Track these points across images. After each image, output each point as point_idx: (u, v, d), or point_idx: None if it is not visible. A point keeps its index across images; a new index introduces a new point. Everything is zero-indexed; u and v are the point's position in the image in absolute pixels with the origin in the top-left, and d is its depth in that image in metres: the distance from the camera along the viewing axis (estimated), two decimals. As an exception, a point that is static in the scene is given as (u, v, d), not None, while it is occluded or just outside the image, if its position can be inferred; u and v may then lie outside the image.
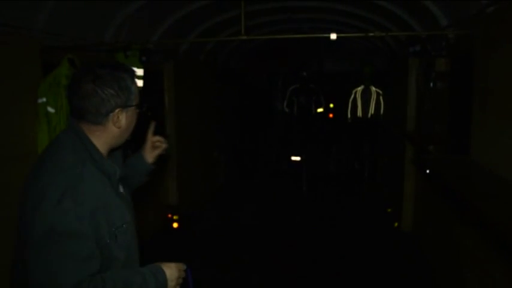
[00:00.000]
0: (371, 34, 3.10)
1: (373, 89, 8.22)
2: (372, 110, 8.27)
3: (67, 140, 1.54)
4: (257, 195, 7.98)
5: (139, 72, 4.67)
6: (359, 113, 8.35)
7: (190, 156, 6.78)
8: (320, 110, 8.28)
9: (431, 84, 4.59)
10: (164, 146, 2.03)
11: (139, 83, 4.70)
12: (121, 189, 1.68)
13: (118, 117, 1.56)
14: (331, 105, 9.74)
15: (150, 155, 2.02)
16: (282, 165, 9.37)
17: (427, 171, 4.63)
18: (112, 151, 1.70)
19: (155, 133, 2.01)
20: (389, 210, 6.75)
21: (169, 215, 6.10)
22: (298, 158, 8.28)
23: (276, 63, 10.19)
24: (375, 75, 8.18)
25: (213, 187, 7.85)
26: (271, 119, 10.63)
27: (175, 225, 6.07)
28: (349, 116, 8.48)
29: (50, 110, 3.32)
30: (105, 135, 1.57)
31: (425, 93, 5.02)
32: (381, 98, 8.22)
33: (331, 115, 9.81)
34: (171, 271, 1.61)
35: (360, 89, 8.31)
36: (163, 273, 1.59)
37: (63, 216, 1.37)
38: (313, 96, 8.18)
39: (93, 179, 1.48)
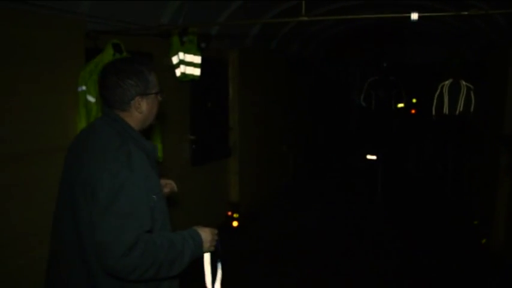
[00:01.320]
0: (465, 13, 2.45)
1: (463, 83, 7.27)
2: (460, 107, 7.33)
3: (105, 125, 1.76)
4: (326, 196, 7.42)
5: (197, 59, 4.32)
6: (445, 109, 7.44)
7: (255, 151, 6.39)
8: (401, 105, 7.50)
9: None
10: (173, 188, 2.19)
11: (197, 71, 4.36)
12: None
13: (139, 103, 1.78)
14: (414, 100, 8.88)
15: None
16: (356, 163, 8.66)
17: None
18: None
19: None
20: (476, 222, 5.90)
21: (230, 213, 5.76)
22: (374, 157, 7.59)
23: (354, 53, 9.47)
24: (465, 68, 7.24)
25: (280, 185, 7.41)
26: (348, 113, 9.91)
27: (235, 223, 5.73)
28: (433, 112, 7.61)
29: (90, 99, 3.06)
30: (132, 120, 1.79)
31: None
32: (471, 93, 7.25)
33: (413, 111, 8.93)
34: (206, 234, 1.81)
35: (447, 83, 7.40)
36: (199, 235, 1.79)
37: (122, 183, 1.59)
38: (393, 89, 7.43)
39: (138, 154, 1.68)
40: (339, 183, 8.18)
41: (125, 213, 1.58)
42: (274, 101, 7.03)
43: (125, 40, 3.43)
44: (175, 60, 4.20)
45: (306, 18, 2.60)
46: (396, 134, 7.81)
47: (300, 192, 7.52)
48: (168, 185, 2.16)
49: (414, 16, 2.54)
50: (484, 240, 5.27)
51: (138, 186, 1.63)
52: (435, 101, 7.58)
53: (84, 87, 3.06)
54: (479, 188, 6.07)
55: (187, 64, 4.21)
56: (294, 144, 7.93)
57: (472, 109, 7.27)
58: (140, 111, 1.79)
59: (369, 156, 7.61)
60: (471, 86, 7.24)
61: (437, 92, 7.53)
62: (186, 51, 4.19)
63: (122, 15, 3.61)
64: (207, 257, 1.93)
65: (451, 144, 7.63)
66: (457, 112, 7.37)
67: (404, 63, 9.28)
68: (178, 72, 4.23)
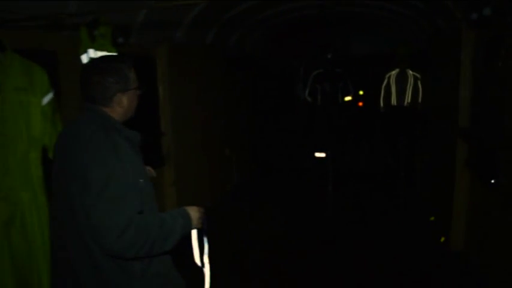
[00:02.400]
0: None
1: (410, 72, 7.00)
2: (408, 98, 7.04)
3: (89, 119, 1.86)
4: (274, 199, 6.90)
5: (113, 57, 3.63)
6: (393, 101, 7.14)
7: (193, 157, 5.77)
8: (348, 98, 7.09)
9: (500, 64, 3.39)
10: (151, 173, 2.27)
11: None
12: None
13: (121, 99, 1.91)
14: (361, 93, 8.55)
15: None
16: (305, 162, 8.17)
17: (492, 181, 3.52)
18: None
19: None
20: (432, 218, 5.59)
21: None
22: (322, 155, 7.14)
23: (298, 46, 9.01)
24: (412, 57, 6.95)
25: (223, 191, 6.83)
26: (294, 109, 9.43)
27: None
28: (381, 104, 7.29)
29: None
30: (115, 114, 1.92)
31: (488, 77, 3.83)
32: (419, 83, 6.99)
33: (360, 104, 8.60)
34: (194, 212, 1.95)
35: (394, 73, 7.09)
36: (188, 213, 1.92)
37: (111, 171, 1.71)
38: (339, 82, 7.00)
39: (122, 143, 1.80)
40: (287, 184, 7.69)
41: (116, 198, 1.68)
42: (212, 101, 6.44)
43: (20, 35, 2.74)
44: (84, 59, 3.49)
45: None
46: (345, 129, 7.40)
47: (245, 198, 6.94)
48: (148, 171, 2.19)
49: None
50: (443, 239, 4.94)
51: (126, 172, 1.74)
52: (382, 92, 7.27)
53: None
54: (434, 182, 5.76)
55: (100, 63, 3.52)
56: (237, 146, 7.37)
57: (420, 99, 7.00)
58: (122, 106, 1.91)
59: (317, 154, 7.16)
60: (418, 75, 6.96)
61: (385, 83, 7.22)
62: (98, 48, 3.49)
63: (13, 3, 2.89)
64: (194, 233, 2.06)
65: (401, 137, 7.33)
66: (406, 103, 7.09)
67: (351, 54, 8.93)
68: (89, 72, 3.54)
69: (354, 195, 7.04)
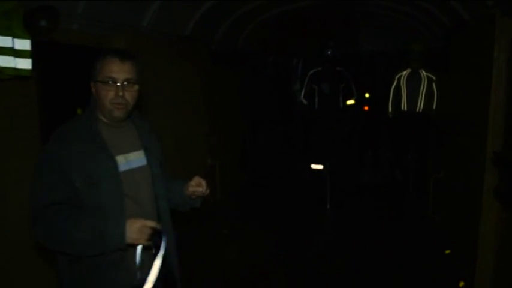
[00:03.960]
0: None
1: (424, 73, 6.00)
2: (421, 103, 6.05)
3: (87, 108, 1.95)
4: (263, 217, 5.93)
5: (21, 45, 2.70)
6: (403, 105, 6.14)
7: (166, 169, 4.80)
8: (350, 102, 6.11)
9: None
10: (202, 191, 2.11)
11: (23, 63, 2.74)
12: (132, 156, 1.95)
13: (92, 88, 1.88)
14: (367, 95, 7.52)
15: (187, 190, 2.16)
16: (300, 173, 7.14)
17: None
18: (137, 121, 2.09)
19: None
20: (448, 252, 4.59)
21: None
22: (320, 167, 6.18)
23: (298, 43, 8.01)
24: (427, 54, 5.95)
25: (204, 206, 5.86)
26: (290, 113, 8.40)
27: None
28: (390, 109, 6.29)
29: None
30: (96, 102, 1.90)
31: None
32: (434, 85, 6.00)
33: (366, 108, 7.57)
34: (134, 225, 1.72)
35: (405, 73, 6.09)
36: (124, 225, 1.71)
37: (46, 156, 1.77)
38: (341, 83, 6.02)
39: (81, 138, 1.79)
40: (278, 200, 6.65)
41: (37, 185, 1.74)
42: (190, 103, 5.48)
43: None
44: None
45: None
46: (347, 137, 6.40)
47: (228, 215, 5.97)
48: (193, 185, 2.12)
49: None
50: (462, 284, 3.94)
51: (58, 160, 1.73)
52: (391, 95, 6.26)
53: None
54: (450, 207, 4.76)
55: (2, 52, 2.58)
56: (222, 154, 6.41)
57: (434, 104, 6.01)
58: (94, 94, 1.88)
59: (313, 166, 6.19)
60: (433, 77, 5.97)
61: (394, 85, 6.21)
62: (5, 34, 2.56)
63: None
64: (138, 249, 1.77)
65: (412, 147, 6.33)
66: (418, 108, 6.09)
67: (355, 51, 7.91)
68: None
69: (355, 214, 6.04)
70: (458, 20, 4.59)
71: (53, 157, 1.73)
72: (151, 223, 1.76)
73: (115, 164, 1.83)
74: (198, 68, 5.72)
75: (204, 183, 2.09)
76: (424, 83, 6.01)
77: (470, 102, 4.04)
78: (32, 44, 2.76)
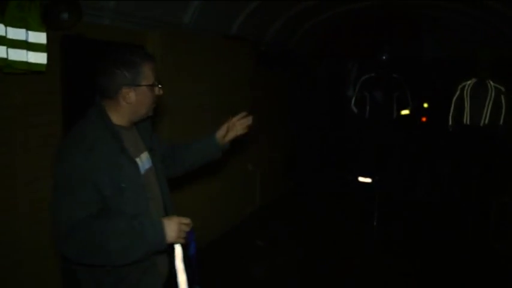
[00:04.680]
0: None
1: (492, 83, 5.41)
2: (486, 116, 5.45)
3: (91, 113, 1.78)
4: (300, 228, 5.56)
5: (37, 38, 2.55)
6: (466, 119, 5.56)
7: (199, 173, 4.59)
8: (405, 112, 5.61)
9: None
10: (246, 124, 2.27)
11: (39, 58, 2.60)
12: (143, 158, 1.89)
13: (127, 94, 1.75)
14: (426, 105, 6.95)
15: (222, 139, 2.23)
16: (347, 186, 6.68)
17: None
18: (139, 123, 1.93)
19: None
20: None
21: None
22: (368, 180, 5.73)
23: (354, 46, 7.58)
24: (496, 63, 5.34)
25: (243, 215, 5.62)
26: (343, 120, 7.95)
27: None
28: (450, 122, 5.73)
29: None
30: (120, 109, 1.78)
31: None
32: (502, 98, 5.39)
33: (424, 119, 7.00)
34: (172, 223, 1.69)
35: (470, 83, 5.52)
36: (163, 225, 1.67)
37: (71, 166, 1.63)
38: (395, 91, 5.54)
39: (105, 143, 1.70)
40: (322, 212, 6.24)
41: (67, 199, 1.62)
42: (230, 106, 5.23)
43: None
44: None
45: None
46: (400, 150, 5.88)
47: (268, 226, 5.65)
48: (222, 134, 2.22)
49: None
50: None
51: (90, 171, 1.63)
52: (453, 106, 5.69)
53: None
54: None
55: (13, 45, 2.45)
56: (265, 161, 6.13)
57: (502, 120, 5.39)
58: (128, 101, 1.77)
59: (361, 179, 5.75)
60: (502, 88, 5.38)
61: (456, 95, 5.66)
62: (10, 23, 2.43)
63: None
64: (178, 249, 1.74)
65: (474, 164, 5.70)
66: (482, 123, 5.49)
67: (415, 56, 7.34)
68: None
69: (404, 235, 5.51)
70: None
71: (81, 170, 1.62)
72: (186, 220, 1.74)
73: (138, 167, 1.80)
74: (243, 68, 5.49)
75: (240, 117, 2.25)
76: (491, 94, 5.42)
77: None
78: (53, 39, 2.61)
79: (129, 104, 1.77)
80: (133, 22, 3.74)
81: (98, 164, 1.65)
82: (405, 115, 5.62)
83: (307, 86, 7.36)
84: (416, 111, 6.09)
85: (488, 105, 5.45)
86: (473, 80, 5.48)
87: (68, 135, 1.77)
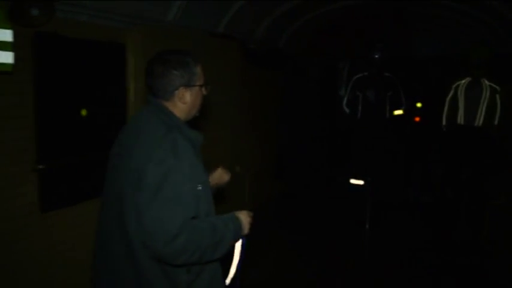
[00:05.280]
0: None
1: (486, 83, 5.26)
2: (481, 116, 5.31)
3: (151, 114, 1.78)
4: (292, 232, 5.42)
5: (5, 36, 2.36)
6: (460, 119, 5.42)
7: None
8: (398, 112, 5.47)
9: None
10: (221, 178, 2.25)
11: (5, 57, 2.40)
12: None
13: (183, 94, 1.79)
14: (419, 105, 6.81)
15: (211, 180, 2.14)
16: (339, 188, 6.52)
17: None
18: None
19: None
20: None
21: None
22: (360, 182, 5.58)
23: (346, 45, 7.43)
24: (491, 61, 5.20)
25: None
26: (334, 120, 7.79)
27: None
28: (443, 122, 5.58)
29: None
30: (176, 110, 1.81)
31: None
32: (497, 97, 5.24)
33: (417, 119, 6.86)
34: (244, 216, 1.85)
35: (464, 82, 5.36)
36: (239, 218, 1.83)
37: (167, 171, 1.61)
38: (388, 90, 5.40)
39: (183, 142, 1.70)
40: (313, 215, 6.08)
41: (170, 199, 1.61)
42: (217, 107, 5.06)
43: None
44: None
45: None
46: (392, 151, 5.74)
47: (257, 229, 5.47)
48: (216, 176, 2.21)
49: None
50: None
51: (183, 174, 1.65)
52: (446, 106, 5.54)
53: None
54: (509, 242, 4.06)
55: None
56: (254, 163, 5.96)
57: (496, 119, 5.25)
58: (184, 101, 1.81)
59: (353, 181, 5.60)
60: (497, 87, 5.23)
61: (450, 95, 5.50)
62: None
63: None
64: (242, 241, 1.92)
65: (467, 165, 5.57)
66: (477, 123, 5.35)
67: (408, 55, 7.20)
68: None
69: (397, 237, 5.39)
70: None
71: (177, 172, 1.64)
72: (251, 213, 1.88)
73: (204, 168, 1.84)
74: (232, 67, 5.32)
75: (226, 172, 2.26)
76: (486, 94, 5.27)
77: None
78: (24, 36, 2.42)
79: (185, 105, 1.81)
80: (113, 19, 3.55)
81: (189, 166, 1.69)
82: (398, 115, 5.48)
83: (298, 86, 7.19)
84: (410, 111, 5.94)
85: (482, 105, 5.31)
86: (468, 79, 5.34)
87: (140, 137, 1.73)
